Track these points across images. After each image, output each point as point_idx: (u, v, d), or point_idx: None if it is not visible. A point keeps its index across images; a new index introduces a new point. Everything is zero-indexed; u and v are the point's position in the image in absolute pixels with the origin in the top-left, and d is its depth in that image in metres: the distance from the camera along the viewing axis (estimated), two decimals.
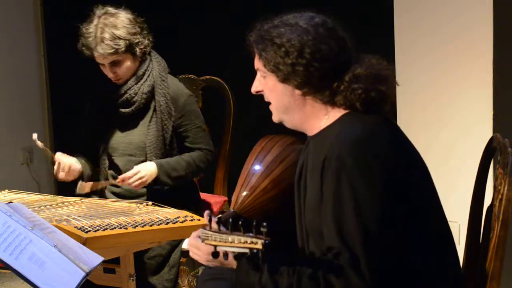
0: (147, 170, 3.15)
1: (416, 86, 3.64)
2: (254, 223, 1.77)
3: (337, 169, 1.98)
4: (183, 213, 2.79)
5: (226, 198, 3.60)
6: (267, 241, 1.74)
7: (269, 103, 2.19)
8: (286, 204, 2.31)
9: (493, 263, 2.13)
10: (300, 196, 2.20)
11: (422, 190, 2.10)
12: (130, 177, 3.13)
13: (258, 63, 2.15)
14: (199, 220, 2.75)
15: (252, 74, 2.34)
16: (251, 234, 1.77)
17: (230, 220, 1.82)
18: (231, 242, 1.79)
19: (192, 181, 3.45)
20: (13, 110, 4.94)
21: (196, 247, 2.11)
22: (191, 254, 2.16)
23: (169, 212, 2.81)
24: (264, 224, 1.76)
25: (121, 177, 3.15)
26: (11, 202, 2.69)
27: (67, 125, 5.05)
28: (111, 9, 3.20)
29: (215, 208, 3.50)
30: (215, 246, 1.83)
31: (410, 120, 3.67)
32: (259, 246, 1.75)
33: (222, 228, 1.85)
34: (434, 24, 3.54)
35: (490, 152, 2.38)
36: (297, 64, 2.05)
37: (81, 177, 3.26)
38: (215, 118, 3.56)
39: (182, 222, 2.71)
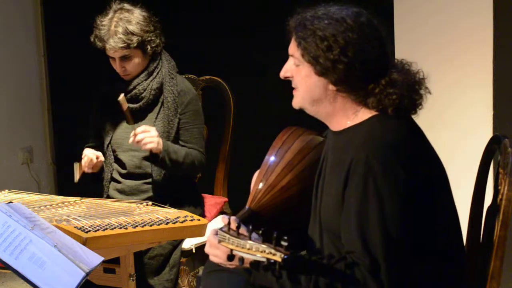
0: (157, 135, 3.12)
1: None
2: (275, 235, 1.75)
3: (364, 176, 1.97)
4: (183, 213, 2.79)
5: (226, 199, 3.59)
6: (286, 256, 1.72)
7: (292, 88, 2.15)
8: (303, 204, 2.30)
9: (493, 263, 2.13)
10: (318, 190, 2.19)
11: (442, 196, 2.10)
12: (141, 132, 3.07)
13: (294, 50, 2.10)
14: (199, 220, 2.75)
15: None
16: (271, 244, 1.75)
17: (250, 226, 1.80)
18: (248, 249, 1.78)
19: (192, 180, 3.45)
20: (13, 110, 4.94)
21: (213, 245, 2.07)
22: (206, 249, 2.12)
23: (169, 212, 2.81)
24: (285, 238, 1.74)
25: (133, 132, 3.09)
26: (11, 202, 2.69)
27: (67, 125, 5.06)
28: (127, 5, 3.24)
29: (215, 209, 3.50)
30: (232, 250, 1.82)
31: None
32: (277, 258, 1.73)
33: (242, 230, 1.83)
34: (435, 26, 3.54)
35: (490, 152, 2.38)
36: (338, 62, 2.02)
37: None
38: (215, 118, 3.56)
39: (182, 222, 2.71)
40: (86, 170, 3.22)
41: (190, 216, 2.76)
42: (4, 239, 2.20)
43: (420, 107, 2.13)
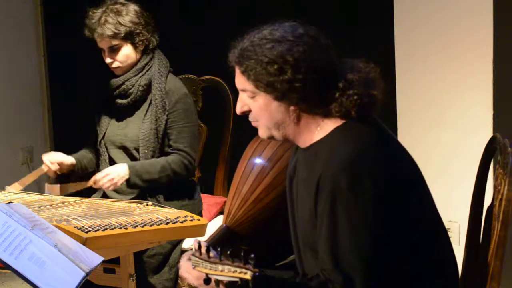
0: (117, 171, 3.17)
1: (417, 87, 3.65)
2: (243, 253, 1.77)
3: (332, 192, 1.94)
4: (183, 213, 2.79)
5: (226, 199, 3.59)
6: (256, 273, 1.75)
7: (253, 121, 2.13)
8: (279, 212, 2.29)
9: (493, 263, 2.13)
10: (293, 204, 2.17)
11: (417, 198, 2.06)
12: (100, 179, 3.15)
13: (244, 84, 2.06)
14: (199, 220, 2.75)
15: None
16: (240, 263, 1.78)
17: (219, 248, 1.83)
18: (221, 271, 1.81)
19: (192, 180, 3.45)
20: (13, 110, 4.94)
21: (188, 271, 2.08)
22: (181, 274, 2.14)
23: (169, 212, 2.80)
24: (252, 256, 1.76)
25: (92, 179, 3.18)
26: (11, 202, 2.69)
27: (67, 125, 5.06)
28: (121, 0, 3.28)
29: (215, 209, 3.50)
30: (207, 274, 1.85)
31: (411, 121, 3.67)
32: (248, 276, 1.76)
33: (212, 252, 1.86)
34: (435, 26, 3.54)
35: (490, 152, 2.38)
36: (295, 80, 1.98)
37: (73, 170, 3.33)
38: (215, 118, 3.56)
39: (182, 222, 2.71)
40: (46, 192, 3.22)
41: (190, 216, 2.75)
42: (4, 239, 2.19)
43: (380, 102, 2.08)
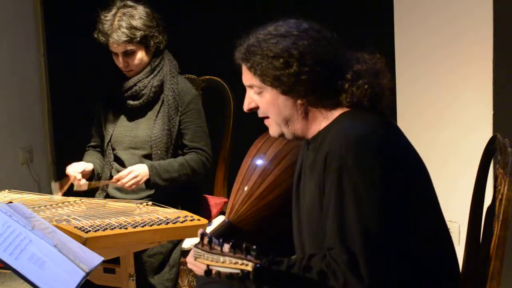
0: (139, 170, 3.16)
1: (417, 87, 3.65)
2: (244, 246, 1.78)
3: (339, 169, 1.96)
4: (183, 213, 2.79)
5: (226, 200, 3.59)
6: (257, 265, 1.76)
7: (263, 118, 2.14)
8: (282, 210, 2.29)
9: (493, 263, 2.13)
10: (298, 198, 2.18)
11: (421, 189, 2.09)
12: (124, 177, 3.14)
13: (251, 80, 2.09)
14: (199, 220, 2.75)
15: None
16: (242, 255, 1.78)
17: (221, 239, 1.84)
18: (222, 262, 1.82)
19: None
20: (13, 110, 4.94)
21: (192, 262, 2.09)
22: (189, 266, 2.15)
23: (169, 212, 2.81)
24: (254, 247, 1.77)
25: (116, 176, 3.17)
26: (11, 202, 2.69)
27: (67, 125, 5.06)
28: (130, 2, 3.28)
29: (215, 210, 3.50)
30: (208, 265, 1.85)
31: (411, 120, 3.67)
32: (249, 268, 1.77)
33: (214, 243, 1.86)
34: (435, 25, 3.54)
35: (490, 152, 2.38)
36: (301, 73, 2.01)
37: (93, 175, 3.29)
38: (215, 118, 3.56)
39: (182, 222, 2.71)
40: (75, 189, 3.19)
41: (190, 216, 2.76)
42: (4, 239, 2.20)
43: (389, 92, 2.11)
